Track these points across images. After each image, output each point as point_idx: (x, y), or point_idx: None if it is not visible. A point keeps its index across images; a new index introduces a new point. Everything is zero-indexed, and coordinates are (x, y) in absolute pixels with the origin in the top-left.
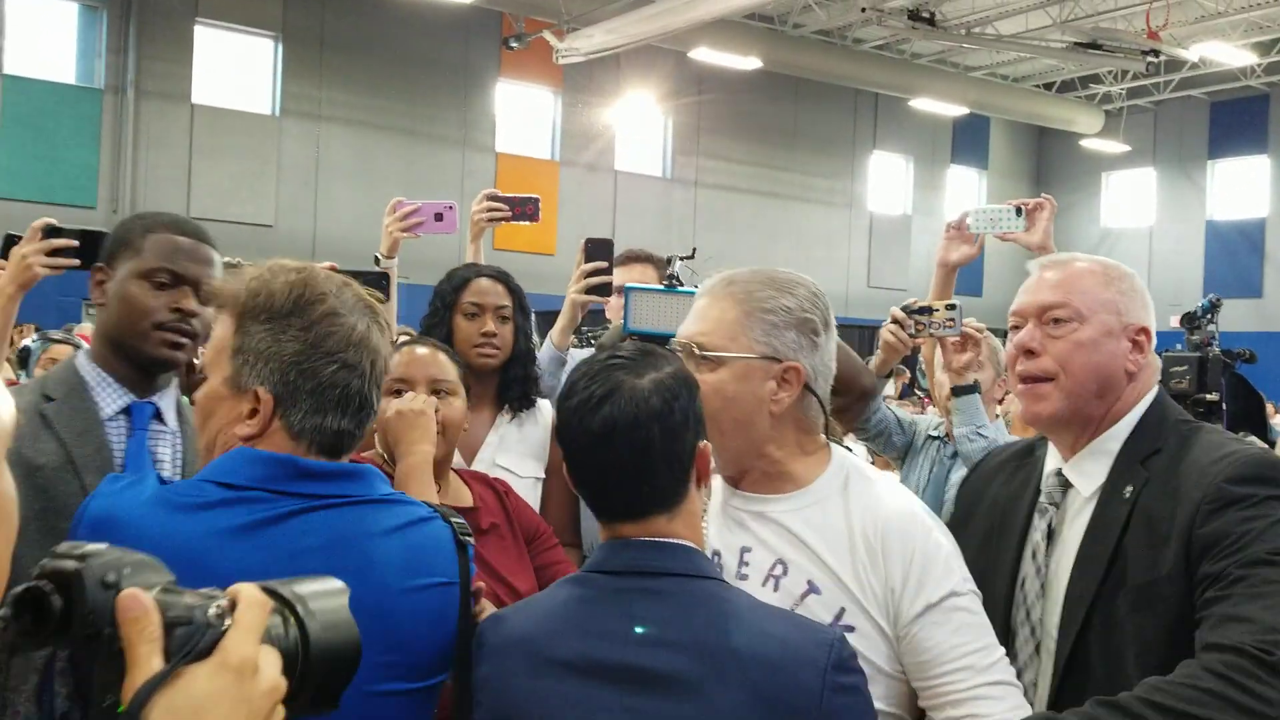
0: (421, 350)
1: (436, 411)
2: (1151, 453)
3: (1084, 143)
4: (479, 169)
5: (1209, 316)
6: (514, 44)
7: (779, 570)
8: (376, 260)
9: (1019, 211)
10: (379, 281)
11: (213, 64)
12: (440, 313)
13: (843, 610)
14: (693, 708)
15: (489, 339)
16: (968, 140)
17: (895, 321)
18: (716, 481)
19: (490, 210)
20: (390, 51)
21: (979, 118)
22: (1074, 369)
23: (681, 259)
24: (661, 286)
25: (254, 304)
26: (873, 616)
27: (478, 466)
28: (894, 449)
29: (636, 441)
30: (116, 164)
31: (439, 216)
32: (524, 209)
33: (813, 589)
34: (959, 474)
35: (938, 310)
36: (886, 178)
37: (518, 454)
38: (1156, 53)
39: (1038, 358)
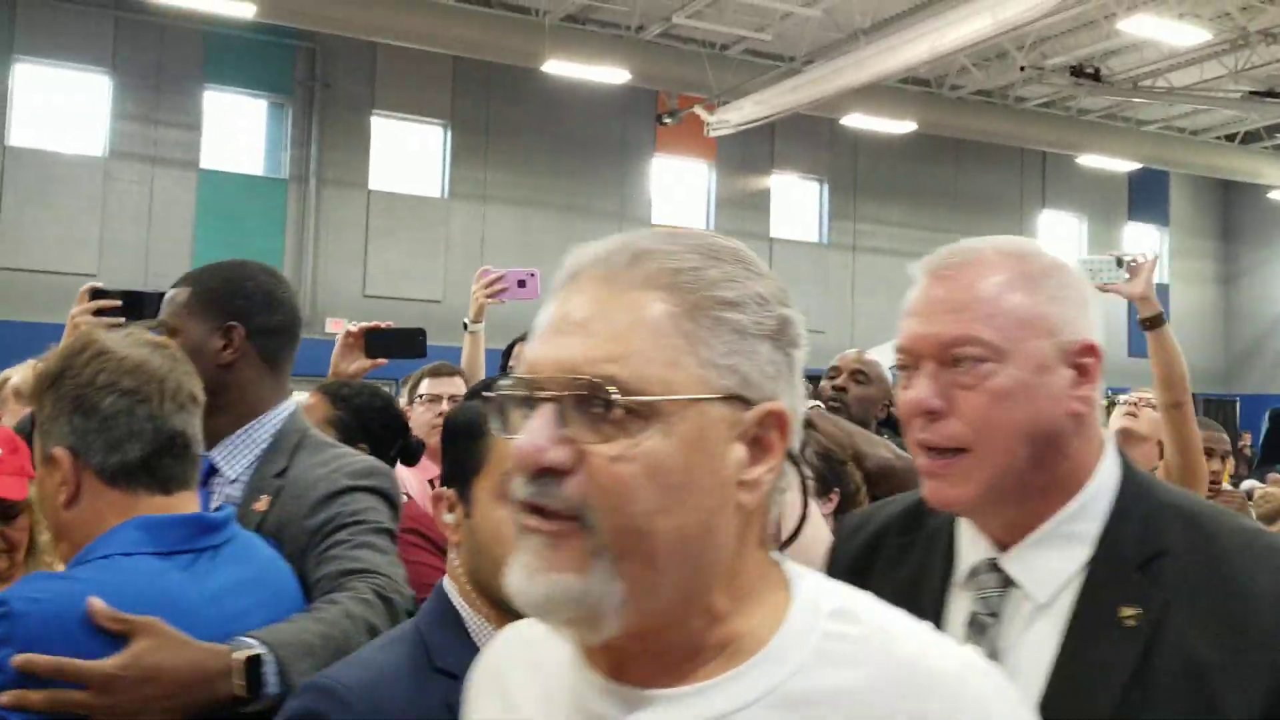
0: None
1: None
2: (1154, 555)
3: (1273, 195)
4: None
5: None
6: (667, 120)
7: None
8: (465, 326)
9: (1119, 263)
10: (414, 336)
11: (387, 152)
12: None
13: None
14: None
15: None
16: (1146, 196)
17: None
18: (558, 670)
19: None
20: (550, 133)
21: (1156, 172)
22: (997, 435)
23: None
24: None
25: (40, 382)
26: None
27: None
28: None
29: None
30: (300, 248)
31: (521, 283)
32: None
33: None
34: None
35: None
36: (1058, 237)
37: None
38: None
39: (942, 420)
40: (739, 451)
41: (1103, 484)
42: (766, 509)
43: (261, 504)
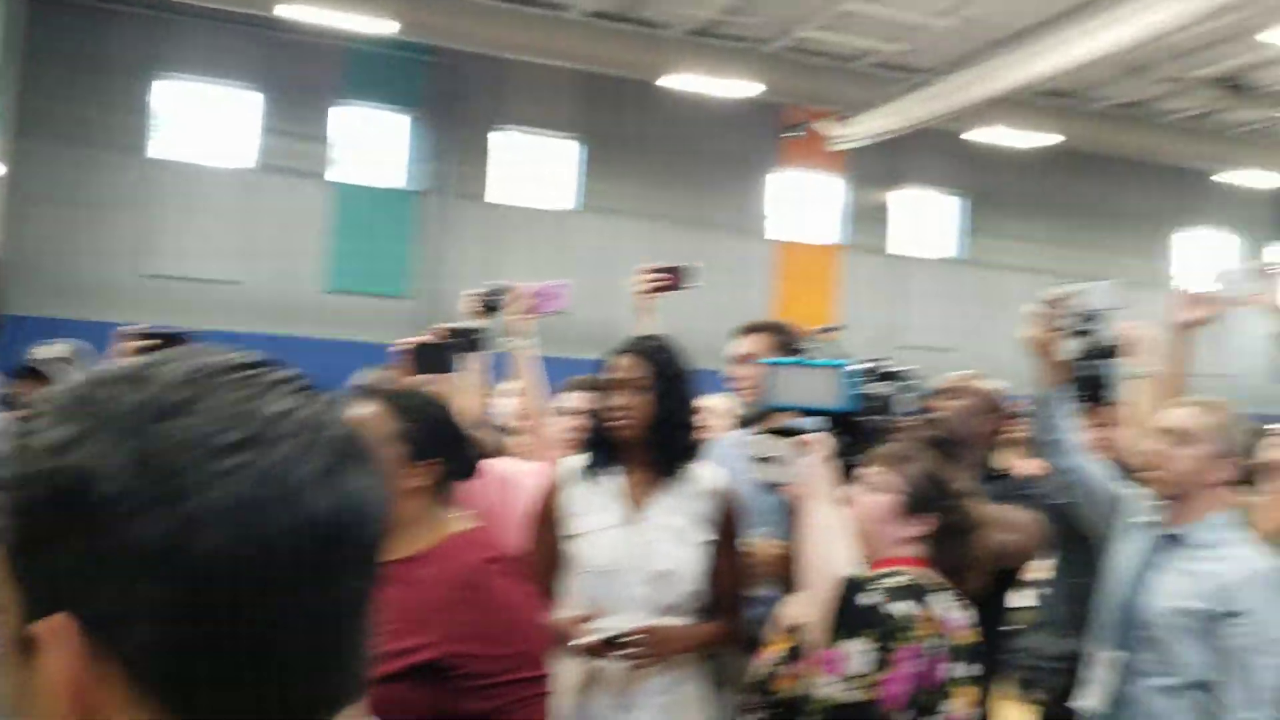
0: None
1: None
2: None
3: None
4: (755, 255)
5: None
6: (791, 133)
7: None
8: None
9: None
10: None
11: (512, 165)
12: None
13: None
14: None
15: (613, 411)
16: None
17: None
18: None
19: (650, 280)
20: (676, 147)
21: None
22: None
23: (821, 332)
24: (800, 359)
25: None
26: None
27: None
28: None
29: None
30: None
31: (555, 296)
32: (675, 277)
33: None
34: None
35: None
36: (1205, 256)
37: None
38: None
39: None
40: None
41: None
42: None
43: None
